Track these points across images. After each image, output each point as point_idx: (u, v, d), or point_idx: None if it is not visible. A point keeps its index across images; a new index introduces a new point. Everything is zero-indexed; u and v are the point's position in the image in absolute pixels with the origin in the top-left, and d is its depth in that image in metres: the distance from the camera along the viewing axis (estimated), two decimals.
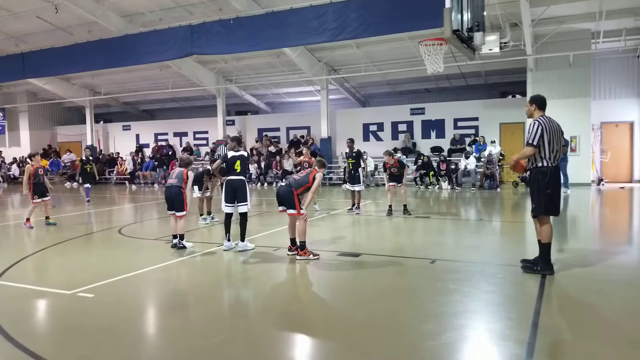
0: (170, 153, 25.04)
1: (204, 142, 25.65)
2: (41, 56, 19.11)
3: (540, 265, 5.80)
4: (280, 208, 7.13)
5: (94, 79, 24.28)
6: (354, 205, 11.72)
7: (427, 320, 4.43)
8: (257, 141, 23.65)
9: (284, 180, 20.31)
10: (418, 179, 18.21)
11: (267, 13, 14.76)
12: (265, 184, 20.91)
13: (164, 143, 26.25)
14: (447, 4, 7.33)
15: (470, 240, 8.64)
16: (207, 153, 24.84)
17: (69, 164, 26.05)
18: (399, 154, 14.90)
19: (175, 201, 7.71)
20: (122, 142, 27.73)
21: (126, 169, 24.67)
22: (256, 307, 5.10)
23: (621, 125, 18.46)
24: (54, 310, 5.00)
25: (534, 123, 5.68)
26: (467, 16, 7.82)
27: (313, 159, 11.94)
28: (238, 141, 7.94)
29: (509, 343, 3.86)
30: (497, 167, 17.64)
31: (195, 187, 10.01)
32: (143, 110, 29.60)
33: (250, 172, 20.84)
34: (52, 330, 4.45)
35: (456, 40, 7.56)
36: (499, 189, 16.88)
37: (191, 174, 7.99)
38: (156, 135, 27.01)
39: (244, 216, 7.50)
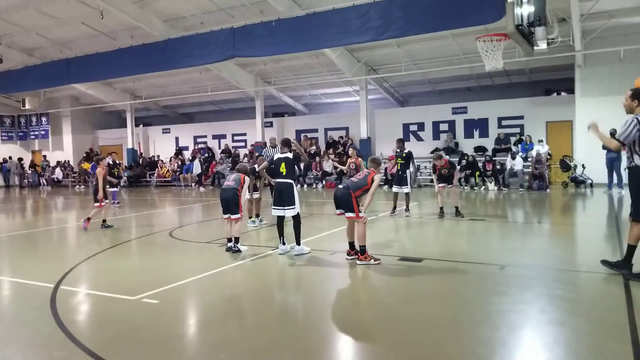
0: (209, 155, 25.31)
1: (242, 144, 25.79)
2: (86, 62, 19.48)
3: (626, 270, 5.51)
4: (338, 211, 6.93)
5: (134, 83, 24.71)
6: (395, 208, 11.44)
7: (509, 332, 4.20)
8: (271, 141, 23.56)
9: (323, 181, 20.25)
10: (463, 180, 17.79)
11: (309, 14, 14.66)
12: (305, 186, 20.81)
13: (202, 145, 26.56)
14: None
15: (533, 244, 8.34)
16: (245, 155, 24.96)
17: None
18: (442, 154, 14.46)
19: (230, 203, 7.65)
20: (161, 145, 28.21)
21: (168, 171, 25.00)
22: (320, 314, 4.89)
23: None
24: (122, 317, 4.84)
25: (633, 120, 5.29)
26: (528, 10, 7.50)
27: (359, 159, 11.83)
28: (284, 142, 7.76)
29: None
30: (546, 167, 17.06)
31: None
32: (182, 113, 30.03)
33: None
34: (123, 338, 4.31)
35: (518, 35, 7.27)
36: (548, 190, 16.33)
37: (247, 180, 7.99)
38: (195, 137, 27.36)
39: (296, 219, 7.33)
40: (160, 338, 4.26)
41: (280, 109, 26.32)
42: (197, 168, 23.44)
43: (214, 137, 26.90)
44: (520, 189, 16.79)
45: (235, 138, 26.25)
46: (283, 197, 7.31)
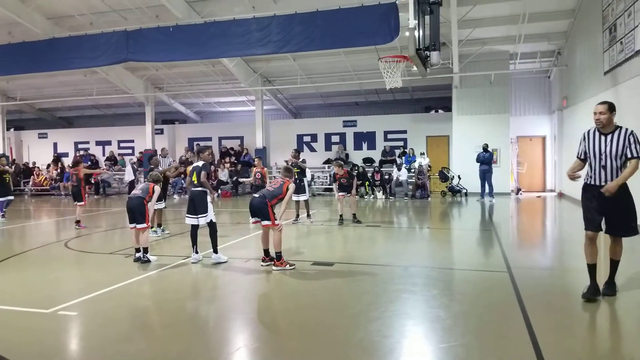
0: (91, 162, 23.74)
1: (129, 151, 24.60)
2: None
3: (609, 284, 5.35)
4: (254, 219, 7.11)
5: (8, 83, 22.46)
6: (298, 215, 11.88)
7: (427, 324, 4.73)
8: (187, 151, 23.07)
9: (219, 190, 20.07)
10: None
11: (209, 22, 14.58)
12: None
13: (83, 152, 24.86)
14: (412, 24, 7.80)
15: (428, 246, 9.22)
16: (133, 163, 23.83)
17: None
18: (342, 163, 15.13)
19: (136, 212, 7.48)
20: (37, 151, 25.85)
21: (45, 179, 22.92)
22: (243, 322, 5.00)
23: (534, 139, 20.27)
24: (42, 331, 4.59)
25: (634, 134, 5.05)
26: (424, 35, 8.35)
27: (265, 168, 12.07)
28: (197, 152, 7.91)
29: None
30: (427, 178, 18.65)
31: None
32: (60, 117, 27.83)
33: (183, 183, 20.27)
34: (50, 354, 4.11)
35: (417, 58, 8.05)
36: (429, 199, 17.87)
37: (157, 189, 7.86)
38: (76, 144, 25.54)
39: (212, 227, 7.40)
40: (90, 351, 4.14)
41: (170, 116, 25.59)
42: (129, 175, 20.80)
43: (98, 143, 25.36)
44: (405, 198, 18.18)
45: (122, 145, 24.98)
46: (196, 206, 7.38)
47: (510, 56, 18.27)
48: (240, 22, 14.12)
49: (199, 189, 7.43)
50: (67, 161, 24.36)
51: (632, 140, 4.99)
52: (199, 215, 7.37)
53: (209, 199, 7.49)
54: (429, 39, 8.54)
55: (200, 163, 7.59)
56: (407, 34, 8.01)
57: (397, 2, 12.26)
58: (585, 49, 14.30)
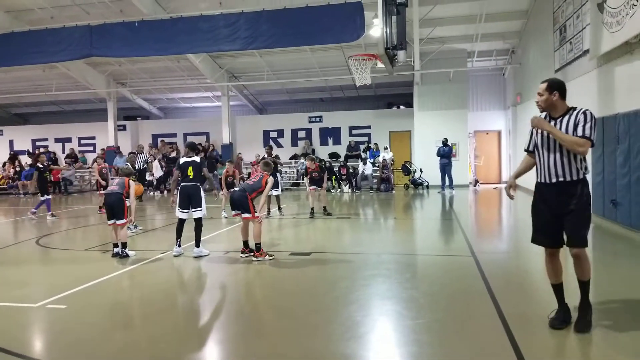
0: (52, 160, 23.16)
1: (91, 148, 24.15)
2: None
3: (589, 313, 4.19)
4: (234, 212, 7.38)
5: None
6: (269, 210, 12.16)
7: (404, 303, 5.14)
8: (151, 147, 22.83)
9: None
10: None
11: (176, 18, 14.58)
12: (166, 192, 20.29)
13: (43, 150, 24.18)
14: (380, 24, 8.21)
15: (396, 235, 9.71)
16: (94, 160, 23.40)
17: None
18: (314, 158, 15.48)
19: (115, 208, 7.58)
20: None
21: (2, 178, 22.18)
22: (233, 311, 5.23)
23: (491, 134, 21.20)
24: (35, 324, 4.76)
25: (590, 114, 4.06)
26: (391, 35, 8.78)
27: (236, 170, 12.28)
28: (190, 147, 8.02)
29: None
30: (391, 172, 19.25)
31: None
32: (15, 114, 26.92)
33: (151, 179, 20.13)
34: (50, 346, 4.30)
35: (385, 56, 8.47)
36: (393, 191, 18.48)
37: (132, 183, 7.95)
38: (34, 141, 24.84)
39: (198, 222, 7.58)
40: (88, 339, 4.31)
41: (132, 112, 25.23)
42: (157, 171, 20.19)
43: (57, 140, 24.73)
44: (370, 191, 18.72)
45: (83, 142, 24.47)
46: (191, 199, 7.56)
47: (468, 54, 19.05)
48: (207, 17, 14.20)
49: (195, 183, 7.60)
50: (25, 159, 23.69)
51: (582, 118, 4.02)
52: (193, 209, 7.55)
53: (203, 193, 7.66)
54: (395, 38, 8.99)
55: (196, 158, 7.73)
56: (371, 32, 8.43)
57: (362, 1, 12.67)
58: (538, 48, 15.13)
